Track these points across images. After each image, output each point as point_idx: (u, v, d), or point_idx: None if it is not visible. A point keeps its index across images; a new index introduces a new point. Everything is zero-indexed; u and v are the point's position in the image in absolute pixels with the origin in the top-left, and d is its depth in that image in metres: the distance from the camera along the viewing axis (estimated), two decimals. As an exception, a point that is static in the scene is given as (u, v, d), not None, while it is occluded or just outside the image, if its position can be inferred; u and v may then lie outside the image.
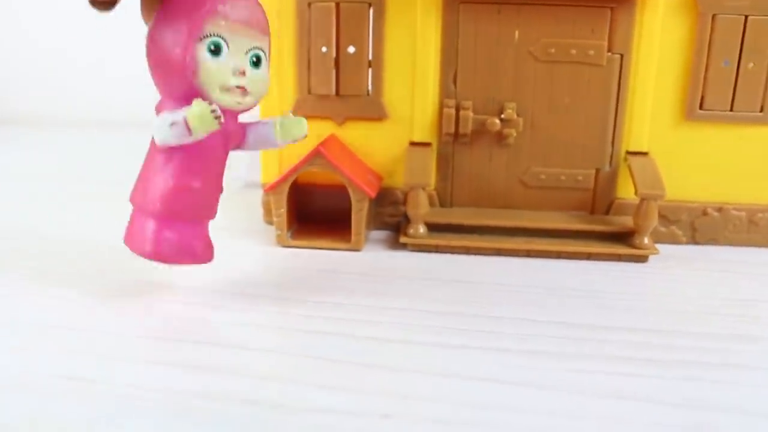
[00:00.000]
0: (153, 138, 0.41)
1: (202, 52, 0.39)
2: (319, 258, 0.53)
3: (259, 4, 0.42)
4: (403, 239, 0.55)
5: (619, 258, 0.53)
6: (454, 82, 0.56)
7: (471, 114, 0.55)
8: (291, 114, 0.44)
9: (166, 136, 0.40)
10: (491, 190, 0.58)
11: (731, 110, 0.55)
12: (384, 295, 0.47)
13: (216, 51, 0.39)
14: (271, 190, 0.55)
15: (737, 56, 0.54)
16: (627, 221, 0.56)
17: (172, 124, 0.39)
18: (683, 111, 0.55)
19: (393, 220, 0.59)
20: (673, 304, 0.46)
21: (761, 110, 0.55)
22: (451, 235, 0.55)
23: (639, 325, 0.43)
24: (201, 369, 0.36)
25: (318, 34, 0.56)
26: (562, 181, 0.57)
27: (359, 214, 0.54)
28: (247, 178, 0.68)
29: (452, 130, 0.56)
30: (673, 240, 0.58)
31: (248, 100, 0.42)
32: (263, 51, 0.42)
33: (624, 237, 0.55)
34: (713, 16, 0.54)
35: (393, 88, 0.57)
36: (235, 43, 0.40)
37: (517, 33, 0.55)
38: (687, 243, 0.58)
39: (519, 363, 0.38)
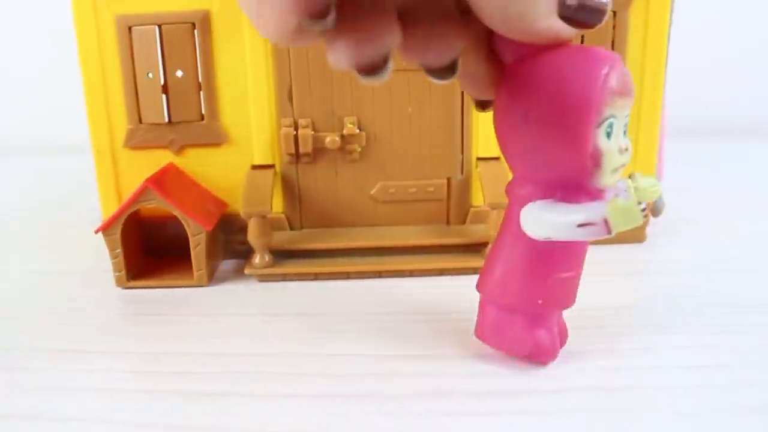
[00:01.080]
0: (518, 227, 0.35)
1: (603, 138, 0.32)
2: (158, 298, 0.50)
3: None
4: (247, 270, 0.52)
5: (474, 271, 0.51)
6: (290, 99, 0.53)
7: (310, 132, 0.53)
8: (640, 175, 0.34)
9: (565, 235, 0.34)
10: (341, 209, 0.55)
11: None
12: (216, 339, 0.44)
13: (609, 133, 0.32)
14: (103, 230, 0.51)
15: (578, 52, 0.53)
16: (484, 230, 0.54)
17: (583, 225, 0.33)
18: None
19: (244, 248, 0.56)
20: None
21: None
22: (299, 261, 0.53)
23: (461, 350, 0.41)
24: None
25: (142, 59, 0.52)
26: (413, 194, 0.54)
27: (197, 248, 0.51)
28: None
29: (293, 150, 0.53)
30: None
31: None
32: (627, 116, 0.34)
33: (481, 247, 0.53)
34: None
35: (228, 111, 0.54)
36: (618, 119, 0.33)
37: (351, 44, 0.52)
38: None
39: (336, 411, 0.36)
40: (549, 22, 0.31)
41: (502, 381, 0.38)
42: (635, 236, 0.57)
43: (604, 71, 0.32)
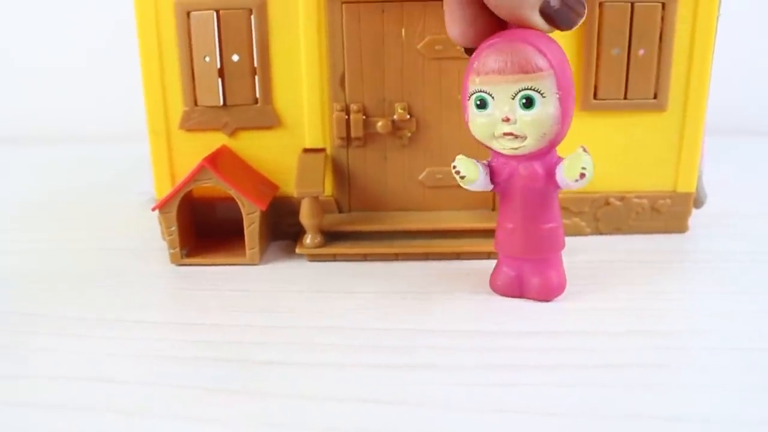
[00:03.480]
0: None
1: (471, 108, 0.42)
2: (212, 275, 0.52)
3: (530, 44, 0.40)
4: (299, 250, 0.53)
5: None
6: (342, 85, 0.54)
7: (362, 116, 0.54)
8: (580, 149, 0.41)
9: None
10: (389, 193, 0.57)
11: (625, 98, 0.55)
12: (272, 312, 0.45)
13: (482, 105, 0.41)
14: (159, 208, 0.53)
15: (627, 44, 0.54)
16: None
17: None
18: (577, 102, 0.54)
19: (293, 230, 0.57)
20: (575, 301, 0.46)
21: (655, 96, 0.55)
22: (348, 242, 0.54)
23: (539, 327, 0.42)
24: (58, 407, 0.34)
25: (199, 43, 0.54)
26: (461, 180, 0.55)
27: (251, 227, 0.53)
28: (152, 191, 0.65)
29: (344, 134, 0.54)
30: (577, 232, 0.57)
31: (527, 142, 0.41)
32: (536, 90, 0.40)
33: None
34: (600, 5, 0.53)
35: (282, 95, 0.55)
36: (499, 93, 0.41)
37: (403, 31, 0.53)
38: (591, 234, 0.58)
39: (405, 380, 0.37)
40: (530, 14, 0.40)
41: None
42: (678, 226, 0.58)
43: (474, 56, 0.42)
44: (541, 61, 0.40)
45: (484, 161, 0.45)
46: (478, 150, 0.45)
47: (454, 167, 0.44)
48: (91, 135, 1.05)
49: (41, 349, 0.41)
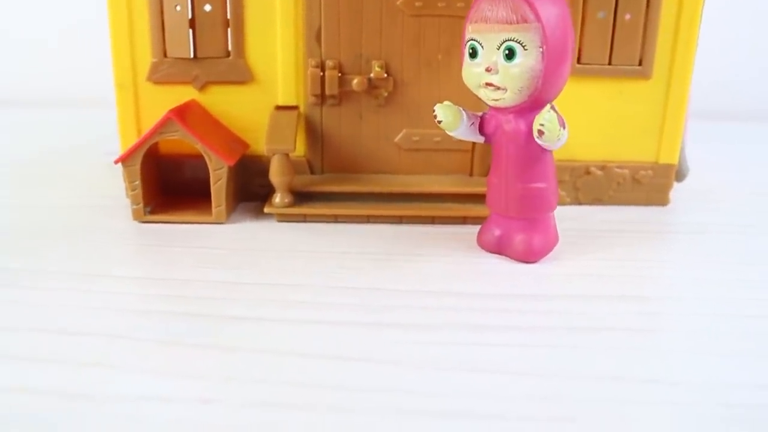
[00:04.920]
0: None
1: (465, 56, 0.42)
2: (177, 233, 0.50)
3: None
4: (267, 209, 0.51)
5: (494, 220, 0.51)
6: (318, 40, 0.52)
7: (337, 73, 0.52)
8: (548, 106, 0.40)
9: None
10: (364, 155, 0.55)
11: (609, 64, 0.53)
12: (237, 269, 0.43)
13: (473, 53, 0.41)
14: (122, 161, 0.50)
15: (613, 7, 0.52)
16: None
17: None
18: (560, 65, 0.53)
19: (263, 191, 0.55)
20: (554, 267, 0.44)
21: (640, 63, 0.53)
22: (319, 203, 0.52)
23: (513, 290, 0.41)
24: (17, 359, 0.32)
25: (170, -9, 0.51)
26: (438, 143, 0.54)
27: (218, 184, 0.50)
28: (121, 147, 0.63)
29: (318, 91, 0.52)
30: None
31: (507, 95, 0.40)
32: (518, 42, 0.39)
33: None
34: (586, -34, 0.51)
35: (255, 49, 0.53)
36: (487, 42, 0.40)
37: (383, -14, 0.51)
38: (571, 204, 0.56)
39: (375, 338, 0.35)
40: None
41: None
42: (659, 199, 0.56)
43: (472, 3, 0.41)
44: (527, 13, 0.39)
45: (479, 112, 0.44)
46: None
47: (434, 111, 0.43)
48: (77, 99, 1.02)
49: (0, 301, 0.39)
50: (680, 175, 0.57)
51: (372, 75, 0.52)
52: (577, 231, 0.50)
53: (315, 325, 0.36)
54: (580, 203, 0.56)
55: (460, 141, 0.52)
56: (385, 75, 0.52)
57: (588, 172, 0.55)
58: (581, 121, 0.53)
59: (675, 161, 0.55)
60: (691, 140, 0.59)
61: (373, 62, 0.52)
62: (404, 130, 0.54)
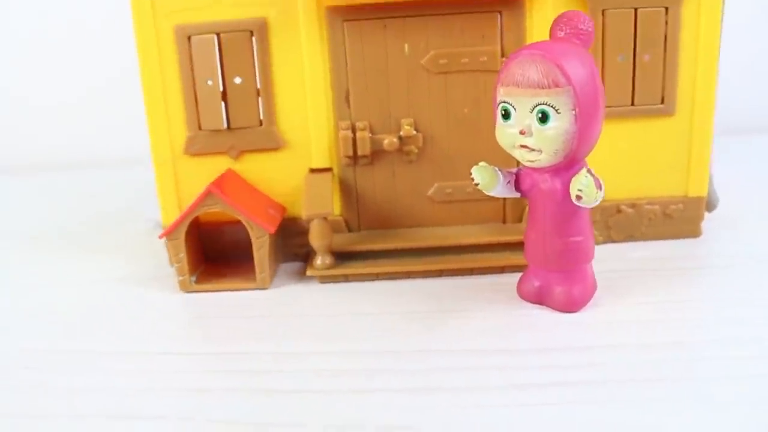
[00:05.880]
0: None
1: (498, 117, 0.43)
2: (223, 302, 0.51)
3: (551, 59, 0.40)
4: (309, 272, 0.53)
5: (531, 268, 0.52)
6: (347, 102, 0.54)
7: (368, 134, 0.53)
8: (583, 170, 0.41)
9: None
10: (399, 210, 0.56)
11: (632, 104, 0.54)
12: (286, 339, 0.45)
13: (506, 115, 0.42)
14: (167, 235, 0.52)
15: (632, 50, 0.53)
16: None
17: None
18: (584, 110, 0.54)
19: (302, 251, 0.56)
20: (596, 314, 0.45)
21: (662, 101, 0.54)
22: (359, 262, 0.53)
23: (558, 343, 0.41)
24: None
25: (201, 67, 0.53)
26: (470, 194, 0.55)
27: (261, 251, 0.52)
28: (157, 218, 0.65)
29: (351, 152, 0.54)
30: (590, 241, 0.57)
31: (542, 156, 0.41)
32: (550, 105, 0.40)
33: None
34: (603, 12, 0.52)
35: (286, 116, 0.55)
36: (520, 105, 0.41)
37: (406, 47, 0.53)
38: (604, 242, 0.57)
39: (427, 404, 0.36)
40: None
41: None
42: (691, 231, 0.57)
43: (503, 65, 0.43)
44: (559, 77, 0.40)
45: (513, 169, 0.45)
46: (488, 160, 0.45)
47: (471, 173, 0.45)
48: (89, 161, 1.04)
49: (61, 387, 0.40)
50: (710, 205, 0.58)
51: (402, 133, 0.53)
52: (614, 272, 0.51)
53: (370, 394, 0.37)
54: (613, 241, 0.57)
55: (492, 190, 0.53)
56: (415, 132, 0.53)
57: (619, 211, 0.56)
58: (609, 162, 0.54)
59: (704, 193, 0.56)
60: (717, 161, 0.60)
61: (402, 120, 0.53)
62: (436, 184, 0.55)
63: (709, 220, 0.58)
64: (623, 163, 0.55)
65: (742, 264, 0.51)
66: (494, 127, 0.44)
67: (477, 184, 0.45)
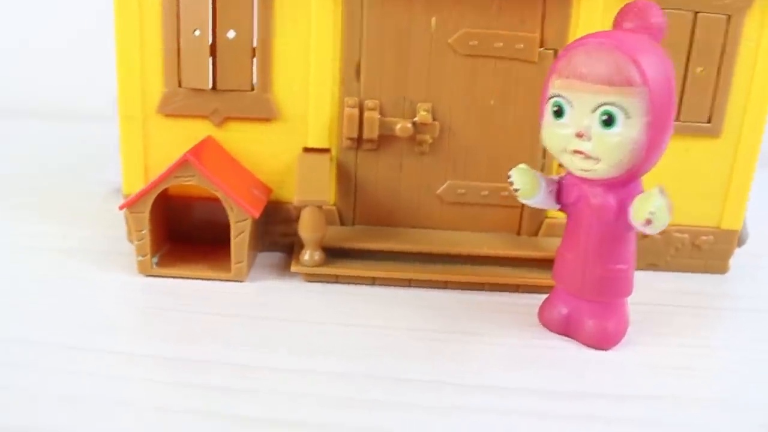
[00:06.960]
0: None
1: (548, 114, 0.36)
2: (188, 291, 0.43)
3: (624, 51, 0.33)
4: (295, 268, 0.45)
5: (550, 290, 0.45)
6: (357, 76, 0.46)
7: (377, 116, 0.46)
8: (656, 189, 0.35)
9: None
10: (402, 207, 0.49)
11: (678, 119, 0.48)
12: (265, 348, 0.37)
13: (558, 113, 0.35)
14: (128, 206, 0.44)
15: (685, 60, 0.47)
16: (557, 245, 0.47)
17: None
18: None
19: (285, 240, 0.49)
20: (630, 353, 0.39)
21: (709, 120, 0.48)
22: (353, 261, 0.46)
23: (587, 387, 0.35)
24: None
25: (189, 12, 0.45)
26: (485, 197, 0.48)
27: (240, 237, 0.44)
28: (118, 181, 0.55)
29: (355, 134, 0.46)
30: (609, 266, 0.50)
31: (600, 166, 0.35)
32: (620, 107, 0.33)
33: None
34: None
35: (284, 83, 0.47)
36: (579, 102, 0.34)
37: (433, 21, 0.46)
38: (624, 269, 0.51)
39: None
40: None
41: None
42: (718, 267, 0.51)
43: (561, 53, 0.36)
44: (634, 75, 0.33)
45: (555, 176, 0.38)
46: (511, 162, 0.39)
47: (509, 176, 0.38)
48: (49, 111, 0.94)
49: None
50: (740, 240, 0.52)
51: (417, 119, 0.46)
52: (641, 305, 0.45)
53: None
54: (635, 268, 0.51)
55: (509, 196, 0.46)
56: (432, 120, 0.46)
57: (645, 236, 0.50)
58: (644, 178, 0.48)
59: (739, 227, 0.51)
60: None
61: (419, 105, 0.46)
62: (448, 182, 0.48)
63: (735, 256, 0.52)
64: (657, 182, 0.49)
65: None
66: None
67: (516, 190, 0.38)
